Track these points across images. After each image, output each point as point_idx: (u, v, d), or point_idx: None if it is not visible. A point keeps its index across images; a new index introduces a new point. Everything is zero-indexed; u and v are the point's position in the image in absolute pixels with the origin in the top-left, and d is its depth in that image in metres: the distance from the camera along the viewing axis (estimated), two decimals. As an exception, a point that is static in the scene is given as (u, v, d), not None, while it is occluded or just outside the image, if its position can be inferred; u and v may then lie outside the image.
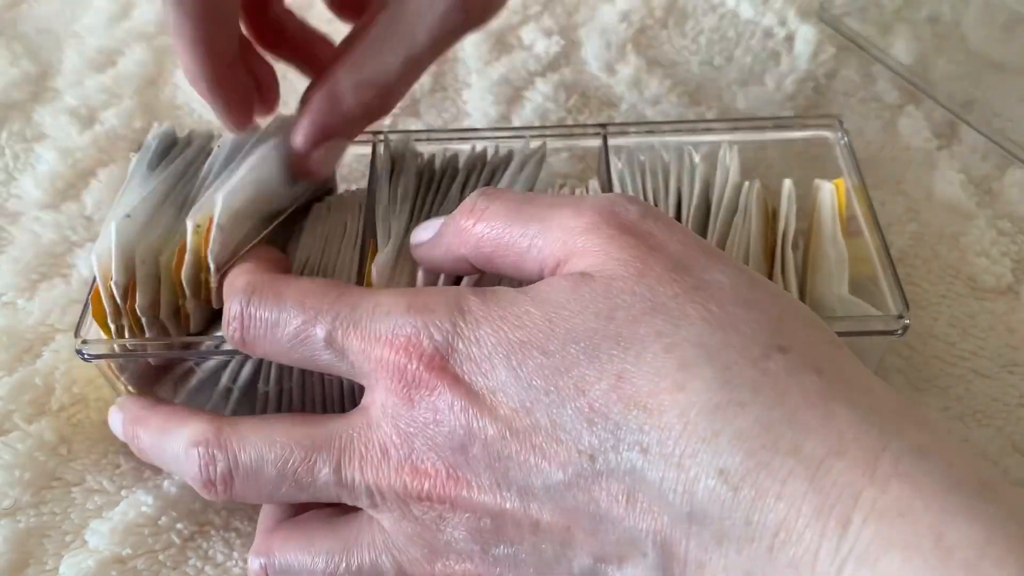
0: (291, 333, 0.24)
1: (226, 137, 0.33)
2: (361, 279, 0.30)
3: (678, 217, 0.32)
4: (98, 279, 0.28)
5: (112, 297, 0.28)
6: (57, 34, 0.48)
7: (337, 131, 0.31)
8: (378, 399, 0.24)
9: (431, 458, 0.22)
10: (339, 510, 0.26)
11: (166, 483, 0.30)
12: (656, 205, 0.32)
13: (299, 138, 0.30)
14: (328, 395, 0.30)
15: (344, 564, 0.24)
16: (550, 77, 0.46)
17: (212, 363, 0.29)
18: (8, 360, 0.33)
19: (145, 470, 0.31)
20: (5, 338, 0.34)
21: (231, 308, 0.26)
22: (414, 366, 0.22)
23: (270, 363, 0.29)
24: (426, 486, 0.22)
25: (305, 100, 0.31)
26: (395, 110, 0.44)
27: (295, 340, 0.24)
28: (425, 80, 0.46)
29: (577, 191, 0.34)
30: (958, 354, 0.34)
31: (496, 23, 0.49)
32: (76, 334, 0.29)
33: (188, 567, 0.28)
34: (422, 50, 0.29)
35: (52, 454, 0.31)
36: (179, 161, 0.32)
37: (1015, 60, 0.46)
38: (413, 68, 0.30)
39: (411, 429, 0.23)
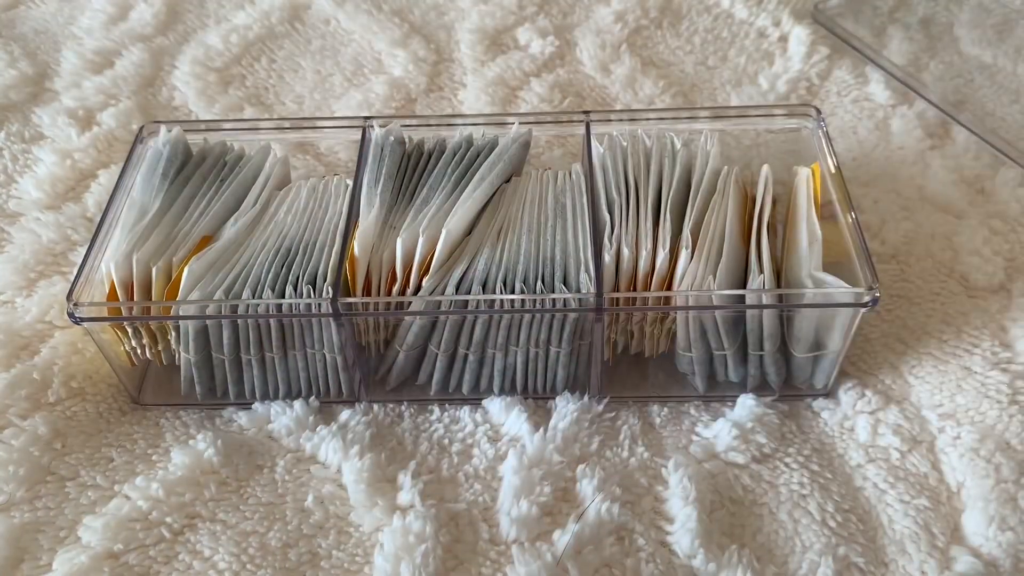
0: None
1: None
2: (344, 256, 0.31)
3: (658, 200, 0.32)
4: (117, 288, 0.30)
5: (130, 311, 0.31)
6: (55, 36, 0.48)
7: None
8: None
9: None
10: None
11: (159, 474, 0.30)
12: (637, 189, 0.33)
13: None
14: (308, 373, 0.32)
15: None
16: (545, 77, 0.46)
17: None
18: (5, 357, 0.33)
19: (138, 464, 0.31)
20: (2, 336, 0.34)
21: None
22: None
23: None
24: None
25: None
26: (391, 110, 0.45)
27: None
28: (421, 80, 0.46)
29: (560, 174, 0.35)
30: (951, 351, 0.34)
31: (492, 23, 0.49)
32: (68, 297, 0.30)
33: (177, 562, 0.28)
34: None
35: (47, 449, 0.31)
36: (196, 177, 0.34)
37: (1007, 61, 0.46)
38: None
39: None
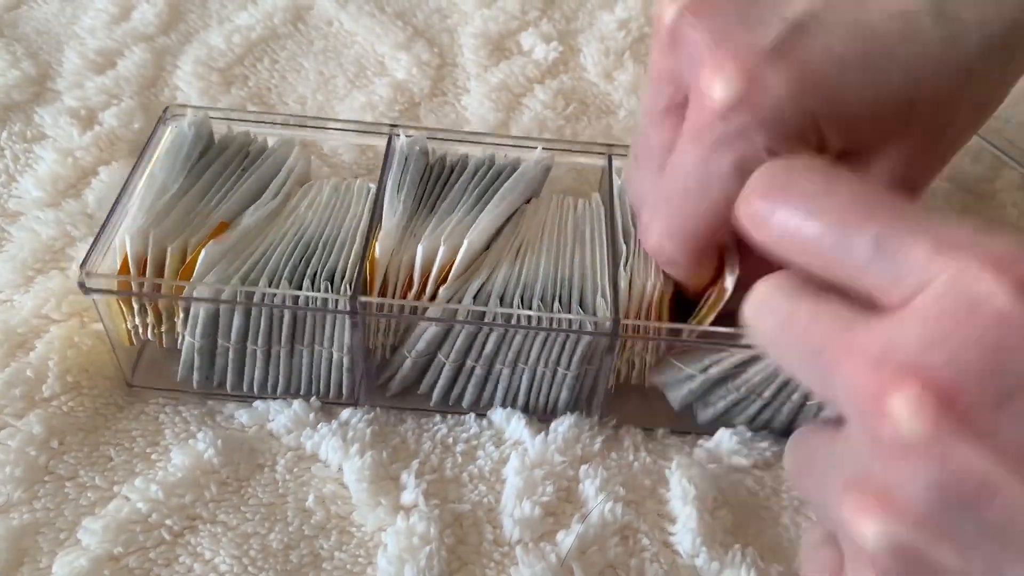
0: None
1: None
2: (365, 256, 0.31)
3: None
4: (131, 263, 0.30)
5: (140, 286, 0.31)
6: (57, 35, 0.48)
7: None
8: None
9: None
10: None
11: (159, 475, 0.30)
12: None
13: None
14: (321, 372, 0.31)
15: None
16: (549, 84, 0.46)
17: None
18: (1, 356, 0.33)
19: (137, 463, 0.31)
20: (0, 335, 0.34)
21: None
22: None
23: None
24: None
25: None
26: (394, 113, 0.45)
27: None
28: (425, 84, 0.46)
29: (580, 202, 0.35)
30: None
31: (495, 29, 0.49)
32: (82, 267, 0.30)
33: (178, 565, 0.28)
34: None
35: (43, 447, 0.30)
36: (218, 163, 0.34)
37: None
38: None
39: None
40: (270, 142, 0.36)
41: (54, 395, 0.32)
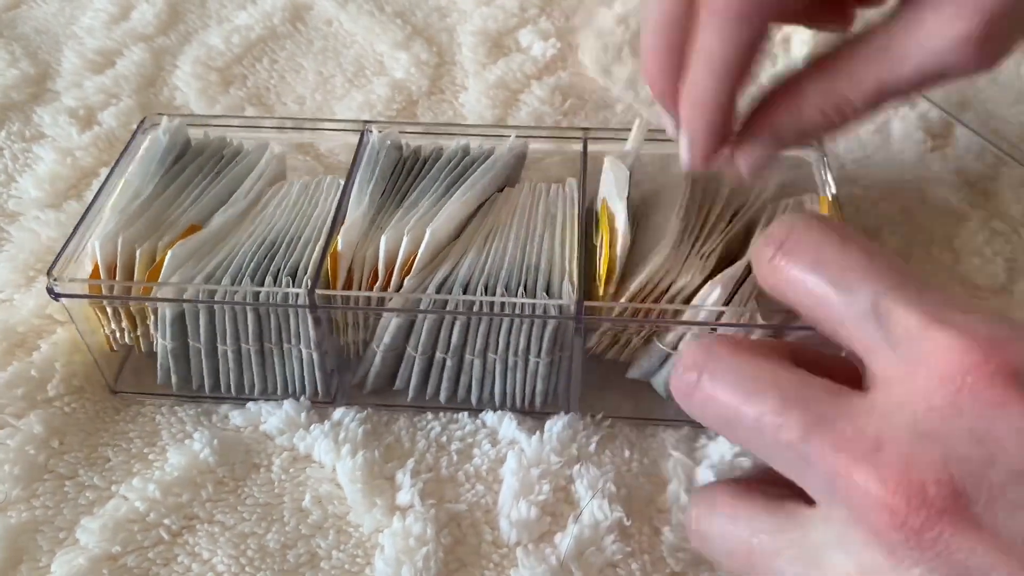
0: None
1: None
2: (327, 250, 0.31)
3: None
4: (101, 268, 0.30)
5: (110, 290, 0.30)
6: (56, 35, 0.49)
7: (784, 138, 0.27)
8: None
9: None
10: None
11: (156, 475, 0.30)
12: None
13: (751, 144, 0.27)
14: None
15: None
16: (546, 80, 0.46)
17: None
18: (1, 355, 0.33)
19: (134, 464, 0.31)
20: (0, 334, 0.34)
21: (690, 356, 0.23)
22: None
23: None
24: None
25: (768, 101, 0.27)
26: (392, 112, 0.45)
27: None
28: (423, 83, 0.46)
29: (554, 187, 0.35)
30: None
31: (494, 26, 0.49)
32: (49, 273, 0.30)
33: (176, 564, 0.28)
34: (900, 84, 0.25)
35: (43, 447, 0.31)
36: (192, 168, 0.34)
37: (1009, 61, 0.46)
38: (883, 97, 0.26)
39: None
40: (247, 145, 0.36)
41: (58, 395, 0.32)
